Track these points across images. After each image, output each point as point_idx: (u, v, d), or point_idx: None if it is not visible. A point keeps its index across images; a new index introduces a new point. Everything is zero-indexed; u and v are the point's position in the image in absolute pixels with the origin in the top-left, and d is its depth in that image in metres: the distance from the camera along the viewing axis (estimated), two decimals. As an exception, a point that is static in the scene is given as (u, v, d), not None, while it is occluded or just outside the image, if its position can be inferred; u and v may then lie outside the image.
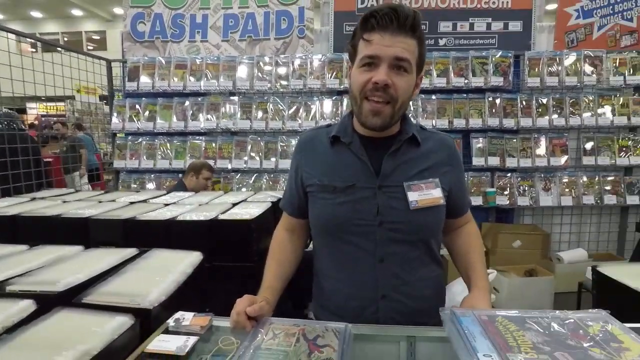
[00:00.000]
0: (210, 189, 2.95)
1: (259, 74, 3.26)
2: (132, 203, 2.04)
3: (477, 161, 3.16)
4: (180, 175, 3.22)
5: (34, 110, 10.32)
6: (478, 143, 3.19)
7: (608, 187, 3.18)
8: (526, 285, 2.74)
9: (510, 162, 3.15)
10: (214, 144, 3.34)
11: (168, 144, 3.38)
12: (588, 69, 3.15)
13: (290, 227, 1.17)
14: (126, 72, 3.39)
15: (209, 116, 3.30)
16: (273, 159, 3.26)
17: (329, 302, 1.08)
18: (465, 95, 3.19)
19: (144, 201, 2.12)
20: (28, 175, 2.60)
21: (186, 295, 1.17)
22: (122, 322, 0.86)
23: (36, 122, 7.69)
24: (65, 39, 14.55)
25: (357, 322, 0.94)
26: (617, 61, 3.19)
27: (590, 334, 0.75)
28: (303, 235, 1.19)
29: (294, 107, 3.26)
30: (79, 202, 2.01)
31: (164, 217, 1.74)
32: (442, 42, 3.34)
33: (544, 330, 0.77)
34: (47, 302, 0.93)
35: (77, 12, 13.88)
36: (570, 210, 3.27)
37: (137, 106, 3.38)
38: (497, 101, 3.15)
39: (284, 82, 3.24)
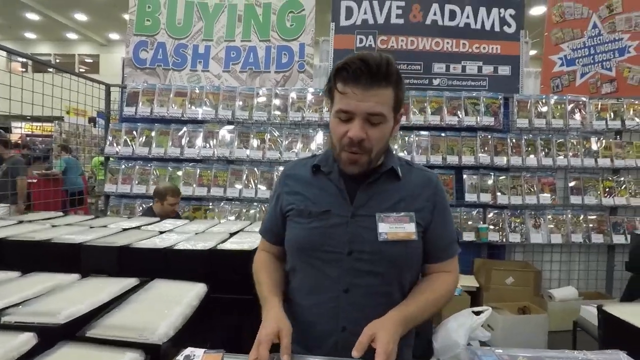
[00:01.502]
0: (177, 215, 2.89)
1: (258, 104, 3.31)
2: (125, 229, 1.99)
3: (469, 197, 3.22)
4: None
5: (19, 130, 10.13)
6: (470, 179, 3.27)
7: (594, 226, 3.27)
8: (521, 324, 2.74)
9: (501, 199, 3.22)
10: (209, 171, 3.33)
11: (162, 170, 3.35)
12: (573, 113, 3.32)
13: (269, 251, 1.17)
14: (124, 97, 3.40)
15: (205, 143, 3.31)
16: (268, 189, 3.26)
17: (295, 327, 1.02)
18: (458, 133, 3.30)
19: (137, 228, 2.07)
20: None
21: (193, 330, 1.13)
22: (132, 358, 0.83)
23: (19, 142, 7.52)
24: (57, 60, 14.56)
25: (317, 354, 0.94)
26: (599, 106, 3.37)
27: (612, 378, 0.76)
28: (282, 262, 1.17)
29: (290, 138, 3.30)
30: (69, 227, 1.95)
31: (161, 246, 1.70)
32: (436, 82, 3.49)
33: (566, 373, 0.77)
34: (49, 336, 0.88)
35: (72, 36, 14.01)
36: (559, 248, 3.34)
37: (134, 131, 3.37)
38: (489, 140, 3.26)
39: (281, 114, 3.30)
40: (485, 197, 3.22)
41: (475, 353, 0.85)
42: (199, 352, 0.92)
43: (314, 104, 3.28)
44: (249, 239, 1.87)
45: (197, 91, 3.35)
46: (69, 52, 14.70)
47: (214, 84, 3.45)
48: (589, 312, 2.17)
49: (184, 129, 3.35)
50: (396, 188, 1.03)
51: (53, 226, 1.94)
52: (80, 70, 14.11)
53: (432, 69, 3.48)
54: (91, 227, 1.99)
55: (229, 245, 1.77)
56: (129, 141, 3.35)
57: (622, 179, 3.34)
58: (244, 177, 3.30)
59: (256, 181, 3.29)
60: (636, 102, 3.39)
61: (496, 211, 3.27)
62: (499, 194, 3.23)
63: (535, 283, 3.05)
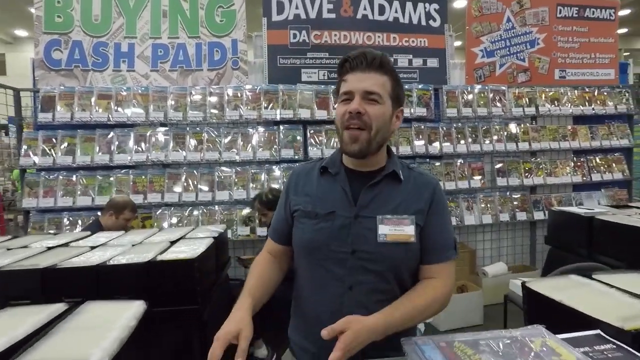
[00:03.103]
0: (130, 229, 2.73)
1: (192, 103, 3.17)
2: (50, 248, 1.82)
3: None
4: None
5: None
6: (408, 169, 3.41)
7: (518, 205, 3.59)
8: (460, 301, 2.94)
9: (437, 185, 3.41)
10: (143, 177, 3.13)
11: (90, 179, 3.09)
12: (494, 101, 3.59)
13: (273, 252, 1.22)
14: (38, 102, 3.07)
15: (137, 148, 3.11)
16: (209, 191, 3.15)
17: (301, 324, 1.13)
18: (393, 124, 3.42)
19: (65, 245, 1.91)
20: None
21: (134, 353, 1.06)
22: (61, 395, 0.76)
23: None
24: (-47, 60, 12.80)
25: (322, 346, 0.94)
26: (517, 94, 3.68)
27: (535, 350, 0.83)
28: (285, 263, 1.23)
29: (230, 137, 3.21)
30: (-20, 252, 1.74)
31: (92, 263, 1.58)
32: (370, 75, 3.57)
33: (497, 351, 0.84)
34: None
35: (-30, 32, 12.35)
36: (490, 227, 3.62)
37: (53, 139, 3.06)
38: (422, 130, 3.43)
39: (218, 112, 3.19)
40: (423, 185, 3.38)
41: (415, 342, 0.89)
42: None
43: (251, 101, 3.21)
44: (192, 246, 1.80)
45: (124, 93, 3.12)
46: (-33, 51, 12.98)
47: (141, 85, 3.24)
48: (516, 286, 2.39)
49: (112, 133, 3.11)
50: (397, 190, 1.09)
51: (-42, 251, 1.72)
52: (-18, 71, 12.53)
53: (366, 63, 3.56)
54: (8, 249, 1.79)
55: (169, 255, 1.69)
56: (47, 150, 3.04)
57: (539, 160, 3.69)
58: (182, 180, 3.16)
59: (196, 184, 3.16)
60: (546, 89, 3.76)
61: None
62: (435, 180, 3.41)
63: (471, 262, 3.29)
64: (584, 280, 1.25)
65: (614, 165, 3.85)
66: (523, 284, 1.26)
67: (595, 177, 3.76)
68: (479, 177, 3.51)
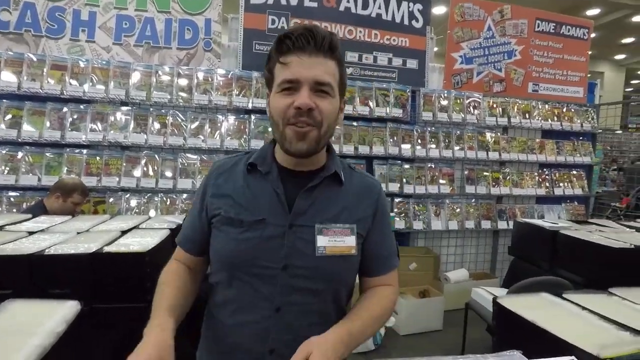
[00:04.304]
0: (79, 214, 2.51)
1: (158, 84, 2.95)
2: (-21, 232, 1.61)
3: (378, 187, 3.32)
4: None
5: None
6: (380, 169, 3.36)
7: (483, 213, 3.64)
8: (421, 306, 2.93)
9: (407, 189, 3.39)
10: (98, 158, 2.89)
11: (37, 157, 2.82)
12: (469, 108, 3.61)
13: (186, 263, 1.01)
14: (-19, 67, 2.75)
15: (94, 126, 2.86)
16: (171, 178, 2.96)
17: (216, 347, 0.95)
18: (369, 123, 3.35)
19: (0, 228, 1.69)
20: None
21: (62, 360, 0.92)
22: None
23: None
24: None
25: None
26: (491, 103, 3.72)
27: (510, 380, 0.77)
28: (200, 275, 1.04)
29: (197, 123, 3.03)
30: None
31: (27, 251, 1.40)
32: (348, 70, 3.49)
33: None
34: None
35: None
36: (455, 234, 3.65)
37: (-5, 108, 2.76)
38: (397, 131, 3.38)
39: (186, 95, 2.99)
40: (393, 187, 3.35)
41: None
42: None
43: (222, 86, 3.03)
44: (145, 238, 1.64)
45: (81, 65, 2.85)
46: None
47: (102, 58, 2.98)
48: (478, 295, 2.41)
49: (65, 108, 2.84)
50: (338, 195, 0.94)
51: None
52: None
53: (345, 57, 3.47)
54: None
55: (116, 247, 1.52)
56: (-12, 120, 2.74)
57: (507, 170, 3.75)
58: (142, 164, 2.94)
59: (157, 169, 2.96)
60: (519, 101, 3.82)
61: (402, 200, 3.43)
62: (404, 183, 3.39)
63: (435, 267, 3.30)
64: (555, 300, 1.21)
65: (575, 180, 3.99)
66: (494, 299, 1.21)
67: (558, 191, 3.88)
68: (449, 183, 3.52)
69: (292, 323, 0.88)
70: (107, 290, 1.41)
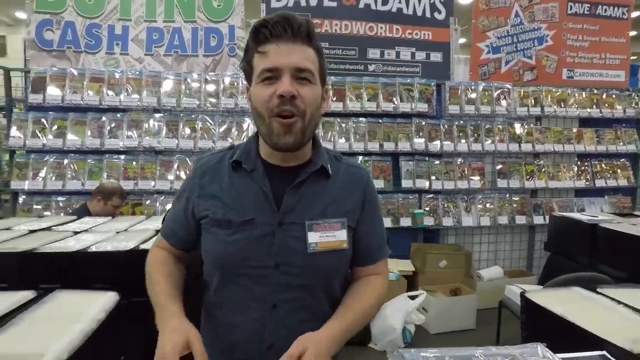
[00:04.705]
0: (118, 215, 2.67)
1: (187, 90, 3.09)
2: (32, 231, 1.76)
3: (405, 183, 3.29)
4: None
5: None
6: (406, 166, 3.33)
7: (518, 208, 3.51)
8: (453, 304, 2.87)
9: (435, 184, 3.33)
10: (134, 163, 3.06)
11: (80, 163, 3.02)
12: (499, 99, 3.50)
13: (170, 252, 1.02)
14: (29, 83, 2.99)
15: (129, 133, 3.03)
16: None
17: (215, 344, 0.95)
18: (393, 119, 3.33)
19: (48, 229, 1.84)
20: None
21: (99, 347, 0.99)
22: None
23: None
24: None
25: None
26: (522, 93, 3.58)
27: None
28: (184, 265, 1.04)
29: (225, 126, 3.13)
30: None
31: (72, 249, 1.52)
32: (371, 67, 3.48)
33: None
34: None
35: (-30, 14, 12.21)
36: (487, 230, 3.54)
37: (43, 120, 2.99)
38: (423, 126, 3.33)
39: (213, 100, 3.10)
40: (421, 183, 3.31)
41: (402, 356, 0.82)
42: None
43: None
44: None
45: (117, 76, 3.04)
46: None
47: (135, 69, 3.15)
48: (513, 292, 2.33)
49: (104, 117, 3.03)
50: (326, 188, 0.93)
51: None
52: (-15, 53, 12.42)
53: (367, 54, 3.47)
54: (-11, 231, 1.73)
55: (151, 245, 1.62)
56: (37, 132, 2.97)
57: (542, 162, 3.59)
58: (175, 168, 3.08)
59: (189, 172, 3.09)
60: (553, 89, 3.65)
61: (430, 196, 3.38)
62: (433, 179, 3.34)
63: (466, 264, 3.21)
64: (587, 294, 1.16)
65: (619, 171, 3.75)
66: (522, 294, 1.18)
67: (599, 183, 3.66)
68: (479, 177, 3.43)
69: (287, 319, 0.89)
70: (143, 285, 1.50)
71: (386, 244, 1.03)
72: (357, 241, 0.96)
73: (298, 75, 0.83)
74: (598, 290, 1.18)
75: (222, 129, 3.13)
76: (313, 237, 0.88)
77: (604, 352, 0.85)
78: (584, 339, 0.91)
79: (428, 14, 3.54)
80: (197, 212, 0.93)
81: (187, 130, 3.09)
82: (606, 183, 3.68)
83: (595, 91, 3.75)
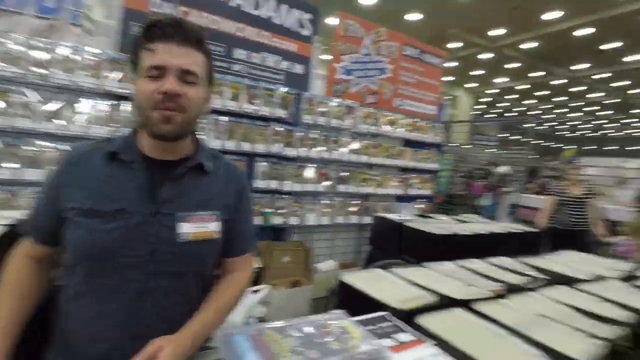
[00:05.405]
0: None
1: (6, 53, 2.53)
2: None
3: (260, 183, 3.43)
4: None
5: None
6: (262, 167, 3.48)
7: (353, 210, 4.06)
8: (291, 296, 3.14)
9: (287, 186, 3.58)
10: None
11: None
12: (346, 115, 3.98)
13: (35, 255, 0.97)
14: None
15: None
16: (13, 166, 2.51)
17: (67, 347, 0.92)
18: (253, 121, 3.44)
19: None
20: None
21: None
22: None
23: None
24: None
25: None
26: (365, 113, 4.16)
27: (332, 331, 0.96)
28: (50, 268, 1.00)
29: (57, 106, 2.67)
30: None
31: None
32: (236, 67, 3.52)
33: (300, 335, 0.93)
34: None
35: None
36: (326, 228, 3.98)
37: None
38: (280, 131, 3.55)
39: (42, 71, 2.61)
40: (274, 184, 3.51)
41: (229, 332, 0.92)
42: None
43: (91, 67, 2.77)
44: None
45: None
46: None
47: None
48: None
49: None
50: (204, 184, 0.99)
51: None
52: None
53: (233, 53, 3.50)
54: None
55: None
56: None
57: (374, 172, 4.25)
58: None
59: None
60: (386, 113, 4.37)
61: (281, 196, 3.61)
62: (286, 181, 3.57)
63: (307, 259, 3.55)
64: (384, 273, 1.49)
65: (425, 183, 4.73)
66: (338, 277, 1.43)
67: (412, 191, 4.56)
68: (325, 182, 3.83)
69: (159, 306, 0.92)
70: None
71: (254, 238, 1.14)
72: (229, 233, 1.03)
73: (183, 78, 0.88)
74: (392, 270, 1.53)
75: (50, 108, 2.62)
76: (185, 228, 0.93)
77: (388, 313, 1.13)
78: (374, 305, 1.19)
79: (296, 28, 3.79)
80: (65, 202, 0.91)
81: (1, 104, 2.51)
82: (417, 192, 4.61)
83: (416, 119, 4.65)
